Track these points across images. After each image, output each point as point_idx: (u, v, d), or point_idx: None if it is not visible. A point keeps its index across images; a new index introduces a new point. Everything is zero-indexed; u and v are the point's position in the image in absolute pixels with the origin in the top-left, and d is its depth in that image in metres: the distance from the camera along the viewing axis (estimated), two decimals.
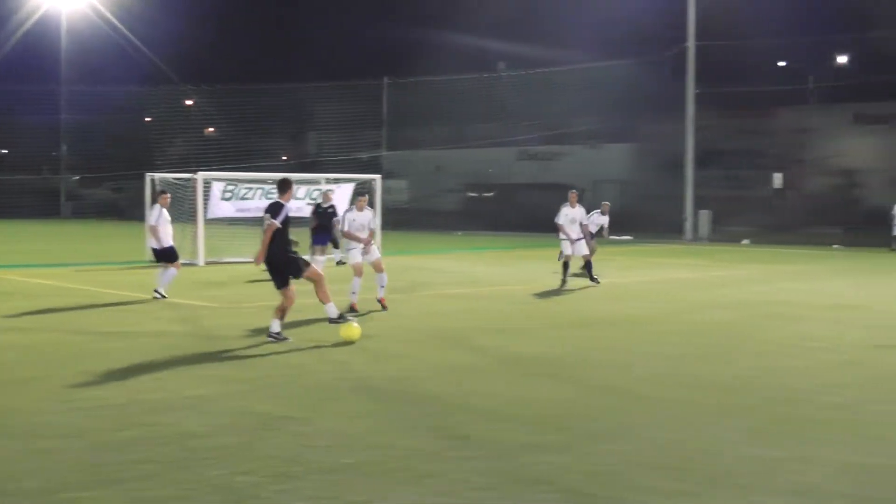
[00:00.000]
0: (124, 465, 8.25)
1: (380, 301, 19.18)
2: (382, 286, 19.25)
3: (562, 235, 24.49)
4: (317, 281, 15.72)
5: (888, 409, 10.69)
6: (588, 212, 26.54)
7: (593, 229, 27.66)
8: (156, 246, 21.20)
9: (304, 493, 7.60)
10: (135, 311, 19.08)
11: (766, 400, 11.16)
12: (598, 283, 25.01)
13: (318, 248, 26.25)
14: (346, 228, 19.05)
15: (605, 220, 28.62)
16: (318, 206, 27.26)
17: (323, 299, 15.92)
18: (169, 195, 22.37)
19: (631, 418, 10.15)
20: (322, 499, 7.49)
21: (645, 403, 10.92)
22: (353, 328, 15.17)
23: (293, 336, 15.18)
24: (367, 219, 19.12)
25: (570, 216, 24.70)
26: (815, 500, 7.61)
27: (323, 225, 26.97)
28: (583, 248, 24.96)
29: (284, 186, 15.67)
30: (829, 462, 8.58)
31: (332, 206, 27.82)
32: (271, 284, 15.25)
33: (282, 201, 15.34)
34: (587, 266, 25.40)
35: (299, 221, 29.41)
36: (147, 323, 17.32)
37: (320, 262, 25.52)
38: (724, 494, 7.71)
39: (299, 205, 31.45)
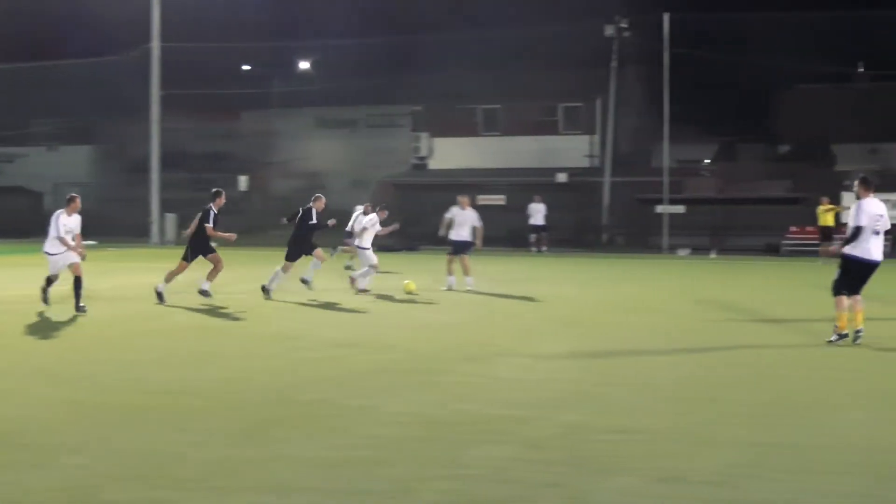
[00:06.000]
0: None
1: None
2: None
3: None
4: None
5: (355, 404, 10.94)
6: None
7: None
8: None
9: None
10: None
11: (244, 402, 11.11)
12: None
13: None
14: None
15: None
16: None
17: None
18: None
19: (98, 430, 9.70)
20: None
21: (112, 413, 10.47)
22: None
23: None
24: None
25: None
26: (284, 495, 7.65)
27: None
28: None
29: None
30: (298, 458, 8.67)
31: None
32: None
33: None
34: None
35: None
36: None
37: None
38: (198, 497, 7.62)
39: None
